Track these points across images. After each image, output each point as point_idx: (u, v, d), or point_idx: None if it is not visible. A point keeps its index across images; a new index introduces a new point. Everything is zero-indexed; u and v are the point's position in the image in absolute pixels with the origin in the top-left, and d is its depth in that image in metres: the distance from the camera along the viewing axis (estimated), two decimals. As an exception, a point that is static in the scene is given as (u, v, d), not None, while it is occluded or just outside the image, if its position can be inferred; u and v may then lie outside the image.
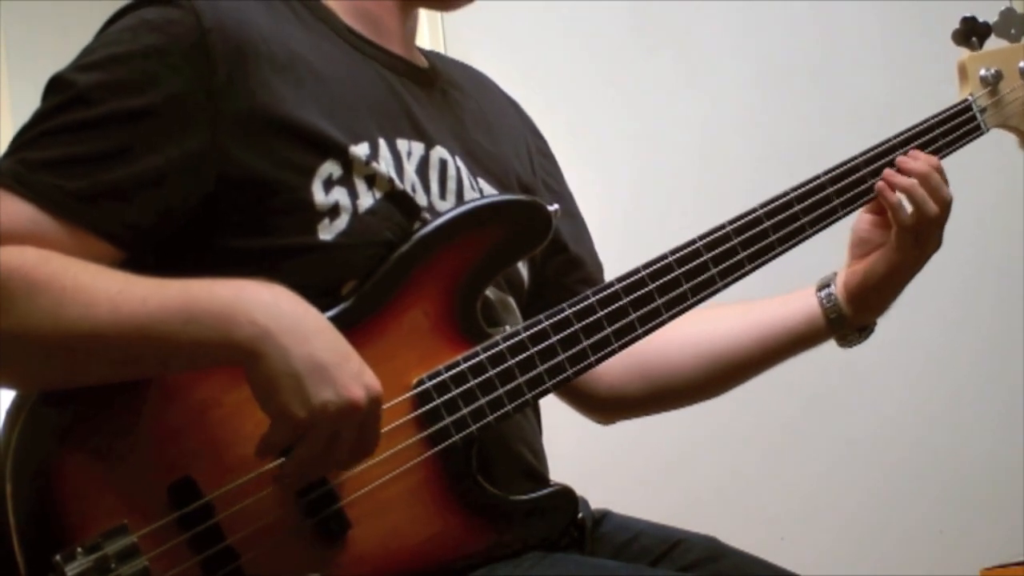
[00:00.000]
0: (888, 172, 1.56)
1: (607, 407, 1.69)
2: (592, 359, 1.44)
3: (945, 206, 1.56)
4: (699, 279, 1.48)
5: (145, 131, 1.32)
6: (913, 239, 1.56)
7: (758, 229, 1.52)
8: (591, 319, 1.44)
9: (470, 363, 1.38)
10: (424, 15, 1.62)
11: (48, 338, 1.25)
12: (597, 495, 1.59)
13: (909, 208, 1.56)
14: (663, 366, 1.66)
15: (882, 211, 1.59)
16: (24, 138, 1.32)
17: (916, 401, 2.93)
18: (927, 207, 1.55)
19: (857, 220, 1.61)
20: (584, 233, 1.72)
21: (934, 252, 1.59)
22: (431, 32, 2.89)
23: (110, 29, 1.37)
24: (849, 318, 1.61)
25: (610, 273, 1.48)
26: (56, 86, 1.34)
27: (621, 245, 2.80)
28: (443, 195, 1.47)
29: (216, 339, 1.24)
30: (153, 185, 1.31)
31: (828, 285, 1.63)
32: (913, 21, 2.87)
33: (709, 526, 1.60)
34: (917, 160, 1.57)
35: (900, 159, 1.57)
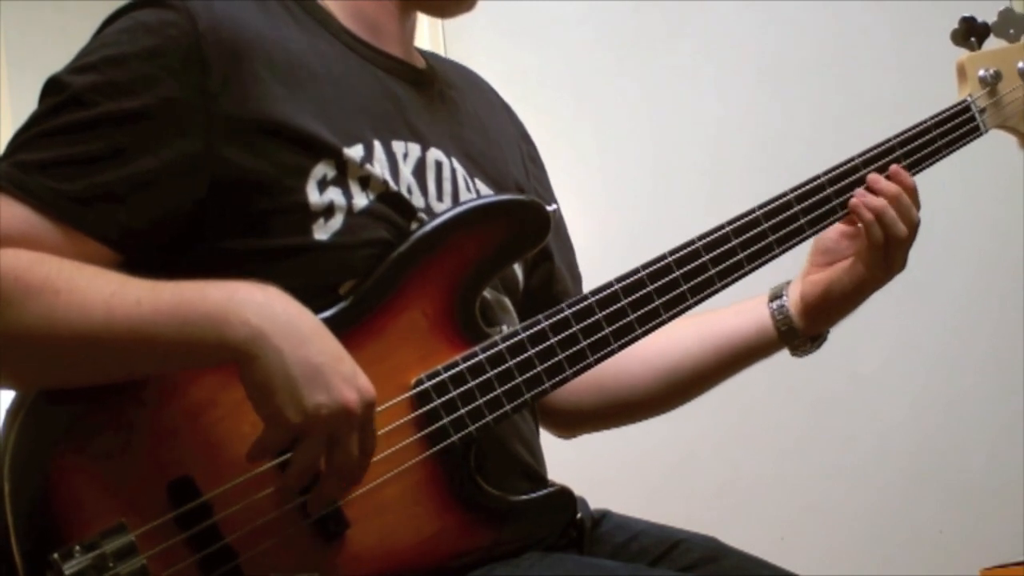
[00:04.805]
0: (860, 192, 1.54)
1: (567, 421, 1.69)
2: (591, 359, 1.44)
3: (913, 228, 1.55)
4: (698, 280, 1.48)
5: (140, 133, 1.32)
6: (881, 258, 1.55)
7: (757, 230, 1.51)
8: (590, 320, 1.44)
9: (469, 363, 1.38)
10: (423, 14, 1.61)
11: (43, 340, 1.25)
12: (597, 495, 1.59)
13: (879, 228, 1.54)
14: (619, 380, 1.66)
15: (854, 222, 1.57)
16: (20, 140, 1.32)
17: (916, 401, 2.93)
18: (896, 228, 1.54)
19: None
20: (568, 245, 1.71)
21: (899, 272, 1.57)
22: (431, 32, 2.89)
23: (106, 31, 1.37)
24: (800, 330, 1.61)
25: (616, 269, 1.48)
26: (52, 88, 1.34)
27: (629, 240, 2.82)
28: (440, 196, 1.47)
29: (210, 340, 1.24)
30: (147, 187, 1.32)
31: (780, 296, 1.62)
32: (923, 19, 2.87)
33: (709, 526, 1.60)
34: (890, 181, 1.55)
35: (872, 178, 1.55)
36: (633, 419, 1.71)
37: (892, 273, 1.57)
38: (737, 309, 1.64)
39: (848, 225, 1.58)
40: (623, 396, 1.67)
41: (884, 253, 1.55)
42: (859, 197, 1.54)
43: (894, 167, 1.56)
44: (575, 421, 1.69)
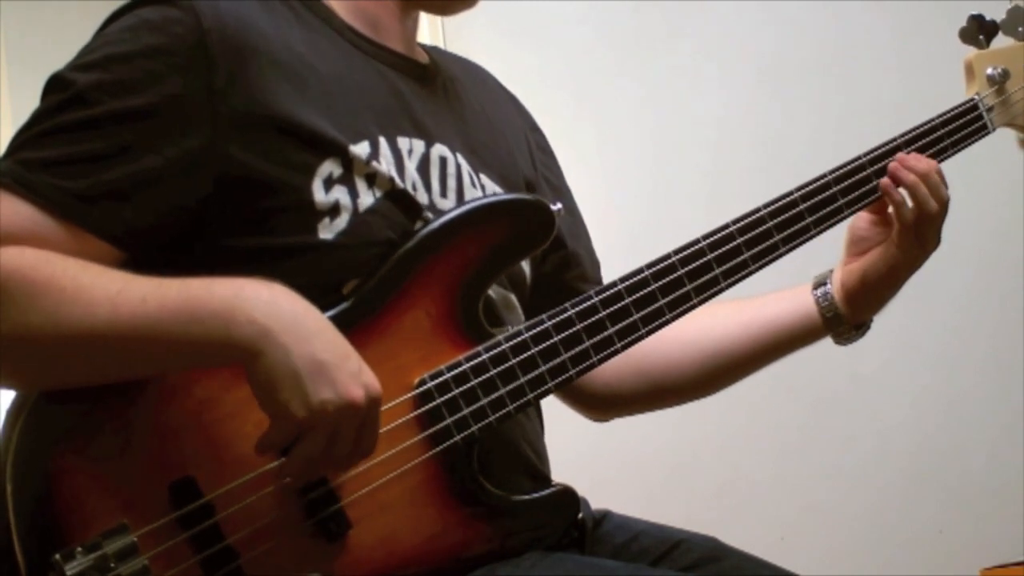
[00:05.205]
0: (893, 167, 1.56)
1: (603, 404, 1.69)
2: (594, 359, 1.43)
3: (944, 205, 1.57)
4: (703, 279, 1.48)
5: (144, 131, 1.31)
6: (914, 237, 1.56)
7: (762, 228, 1.51)
8: (594, 319, 1.43)
9: (472, 363, 1.38)
10: (424, 14, 1.61)
11: (48, 339, 1.24)
12: (598, 496, 1.59)
13: (911, 205, 1.55)
14: (659, 364, 1.66)
15: (881, 210, 1.59)
16: (23, 138, 1.32)
17: (916, 401, 2.92)
18: (928, 205, 1.55)
19: (855, 218, 1.61)
20: (582, 229, 1.72)
21: (933, 250, 1.59)
22: (431, 31, 2.89)
23: (109, 28, 1.37)
24: (846, 317, 1.61)
25: (621, 267, 1.48)
26: (55, 85, 1.33)
27: (630, 240, 2.82)
28: (444, 193, 1.47)
29: (216, 338, 1.24)
30: (152, 185, 1.31)
31: (824, 283, 1.63)
32: (926, 20, 2.87)
33: (709, 526, 1.60)
34: (919, 160, 1.56)
35: (901, 157, 1.56)
36: (671, 403, 1.71)
37: (927, 251, 1.58)
38: (779, 296, 1.65)
39: (877, 213, 1.59)
40: (663, 380, 1.67)
41: (916, 232, 1.56)
42: (890, 174, 1.55)
43: (916, 154, 1.57)
44: (611, 404, 1.70)
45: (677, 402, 1.71)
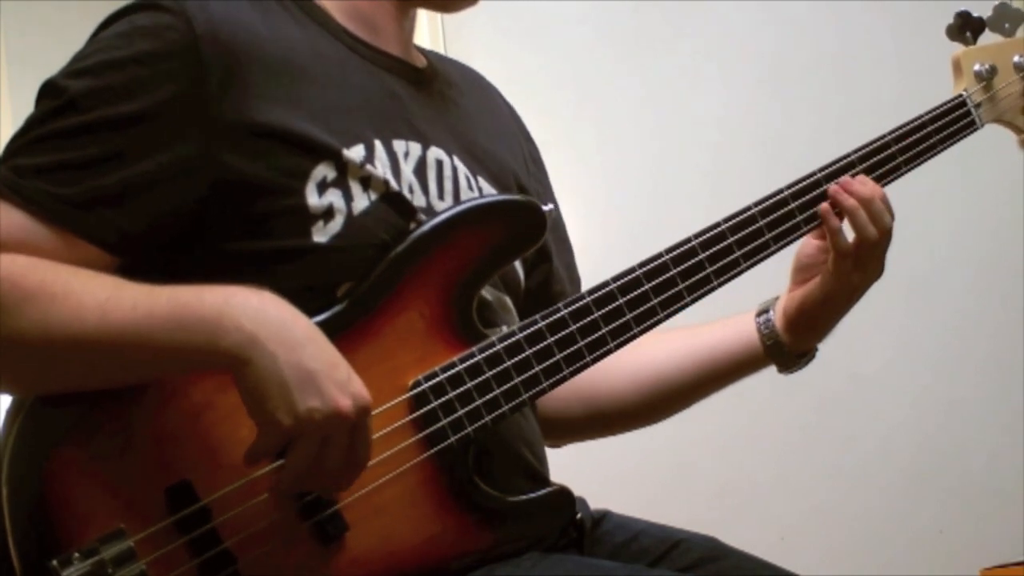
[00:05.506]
0: (833, 190, 1.53)
1: (556, 430, 1.67)
2: (588, 359, 1.43)
3: (886, 234, 1.53)
4: (695, 278, 1.48)
5: (137, 137, 1.32)
6: (852, 264, 1.53)
7: (752, 228, 1.51)
8: (587, 319, 1.43)
9: (466, 364, 1.38)
10: (424, 14, 1.61)
11: (38, 345, 1.25)
12: (597, 496, 1.59)
13: (850, 234, 1.53)
14: (603, 391, 1.65)
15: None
16: (16, 144, 1.32)
17: (916, 401, 2.92)
18: (867, 231, 1.52)
19: (802, 244, 1.58)
20: (566, 245, 1.71)
21: (875, 280, 1.56)
22: (431, 32, 2.89)
23: (102, 34, 1.37)
24: (786, 345, 1.60)
25: (621, 267, 1.47)
26: (48, 91, 1.33)
27: (629, 240, 2.82)
28: (441, 195, 1.47)
29: (204, 345, 1.24)
30: (145, 191, 1.31)
31: (767, 311, 1.61)
32: (926, 20, 2.86)
33: (709, 526, 1.60)
34: (864, 185, 1.54)
35: (845, 180, 1.54)
36: (618, 430, 1.71)
37: (867, 281, 1.55)
38: (724, 323, 1.64)
39: (823, 239, 1.56)
40: (609, 407, 1.66)
41: (855, 260, 1.53)
42: (830, 198, 1.53)
43: (861, 176, 1.55)
44: (562, 430, 1.68)
45: (624, 429, 1.70)
